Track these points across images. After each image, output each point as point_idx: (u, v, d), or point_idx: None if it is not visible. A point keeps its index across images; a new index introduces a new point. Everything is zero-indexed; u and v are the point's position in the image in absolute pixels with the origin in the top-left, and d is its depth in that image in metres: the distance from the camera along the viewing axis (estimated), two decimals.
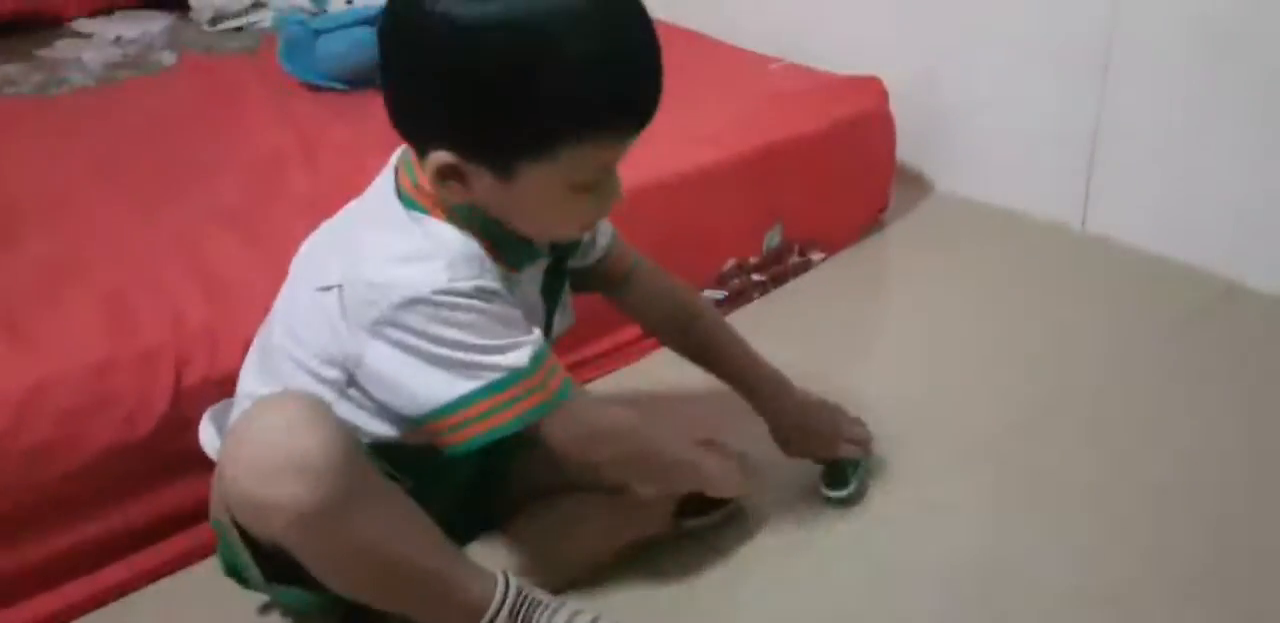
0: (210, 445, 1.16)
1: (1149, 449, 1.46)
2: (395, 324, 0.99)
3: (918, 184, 2.14)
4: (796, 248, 1.85)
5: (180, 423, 1.22)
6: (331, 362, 1.05)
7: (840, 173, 1.87)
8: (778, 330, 1.67)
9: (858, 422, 1.38)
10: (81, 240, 1.48)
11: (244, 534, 1.05)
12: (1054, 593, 1.24)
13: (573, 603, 1.13)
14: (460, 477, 1.23)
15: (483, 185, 1.00)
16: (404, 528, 1.05)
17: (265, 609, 1.23)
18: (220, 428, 1.16)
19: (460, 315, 0.99)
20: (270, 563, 1.07)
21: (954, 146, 2.09)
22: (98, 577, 1.24)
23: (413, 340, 0.99)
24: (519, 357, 1.02)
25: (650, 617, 1.21)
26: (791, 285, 1.84)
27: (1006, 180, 2.03)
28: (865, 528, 1.33)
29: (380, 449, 1.07)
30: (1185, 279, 1.81)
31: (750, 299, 1.80)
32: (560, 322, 1.22)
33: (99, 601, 1.24)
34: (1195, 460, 1.44)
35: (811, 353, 1.60)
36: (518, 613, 1.09)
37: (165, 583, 1.27)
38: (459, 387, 1.00)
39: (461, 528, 1.20)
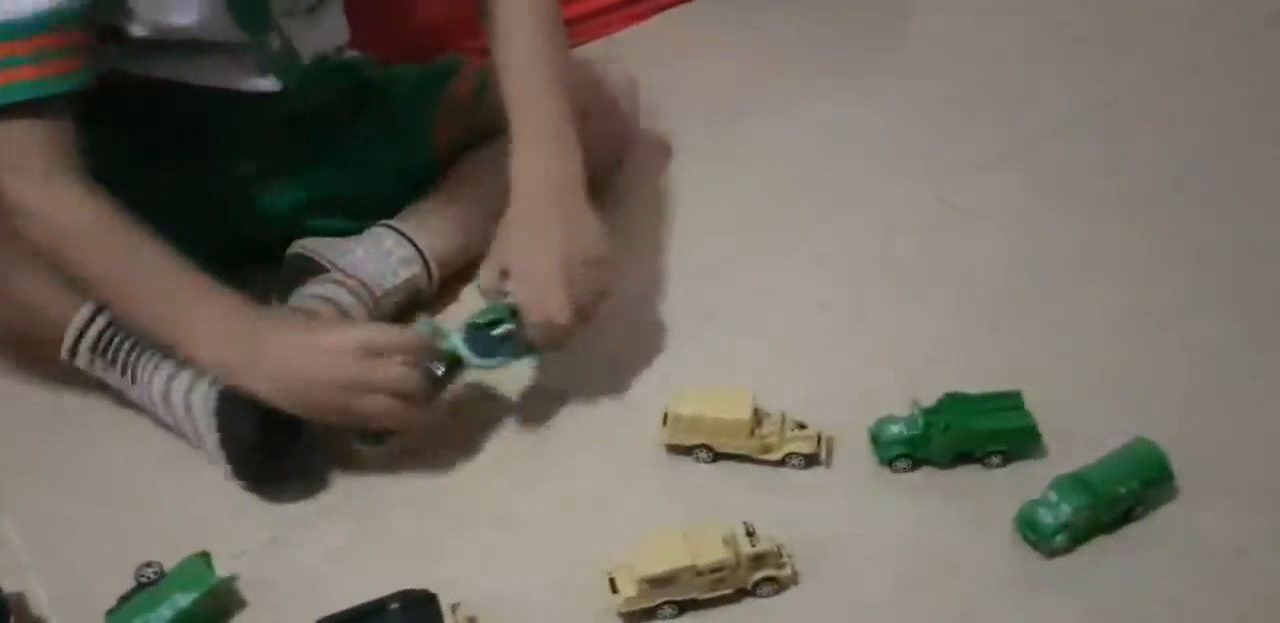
0: None
1: (1185, 147, 1.35)
2: None
3: None
4: None
5: None
6: None
7: None
8: None
9: (599, 290, 0.96)
10: None
11: None
12: (1088, 294, 1.16)
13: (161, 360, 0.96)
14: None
15: None
16: None
17: None
18: None
19: None
20: None
21: None
22: None
23: None
24: (16, 4, 0.81)
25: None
26: None
27: None
28: (887, 236, 1.23)
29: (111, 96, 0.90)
30: None
31: None
32: None
33: None
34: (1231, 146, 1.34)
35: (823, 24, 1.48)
36: (104, 351, 0.96)
37: None
38: None
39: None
